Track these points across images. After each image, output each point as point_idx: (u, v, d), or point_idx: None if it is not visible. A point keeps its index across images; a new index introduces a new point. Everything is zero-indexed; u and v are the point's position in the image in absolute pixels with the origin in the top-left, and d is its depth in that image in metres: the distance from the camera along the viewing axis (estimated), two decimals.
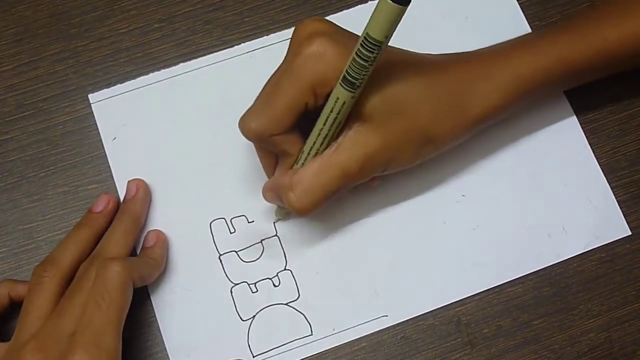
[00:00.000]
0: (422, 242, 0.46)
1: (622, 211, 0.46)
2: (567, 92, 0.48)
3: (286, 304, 0.45)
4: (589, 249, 0.45)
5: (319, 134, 0.39)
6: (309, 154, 0.40)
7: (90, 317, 0.38)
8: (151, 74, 0.49)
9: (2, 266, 0.46)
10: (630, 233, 0.46)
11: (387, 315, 0.45)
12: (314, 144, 0.40)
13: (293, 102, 0.38)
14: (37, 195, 0.47)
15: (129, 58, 0.49)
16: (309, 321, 0.45)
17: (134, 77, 0.49)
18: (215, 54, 0.49)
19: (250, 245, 0.46)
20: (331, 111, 0.38)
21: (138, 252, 0.45)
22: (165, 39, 0.50)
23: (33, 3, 0.50)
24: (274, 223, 0.46)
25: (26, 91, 0.49)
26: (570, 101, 0.48)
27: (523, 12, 0.50)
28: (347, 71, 0.36)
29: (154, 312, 0.45)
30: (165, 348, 0.44)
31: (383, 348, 0.44)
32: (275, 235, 0.46)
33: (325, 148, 0.40)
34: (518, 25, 0.49)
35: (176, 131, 0.48)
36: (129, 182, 0.46)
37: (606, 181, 0.47)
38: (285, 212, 0.46)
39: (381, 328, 0.44)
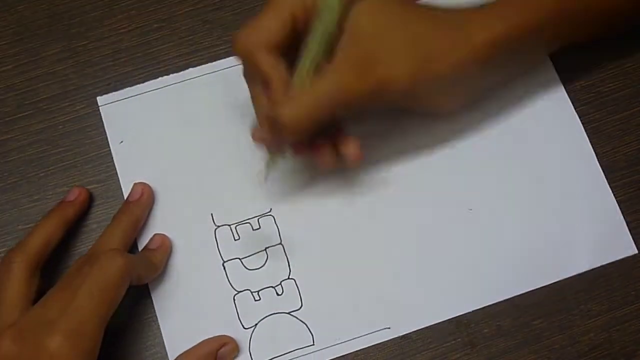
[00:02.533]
0: (427, 255, 0.45)
1: (623, 211, 0.46)
2: (569, 93, 0.48)
3: (289, 313, 0.45)
4: (595, 266, 0.45)
5: (310, 49, 0.39)
6: (302, 76, 0.39)
7: (79, 305, 0.38)
8: (160, 78, 0.49)
9: None
10: (636, 252, 0.45)
11: (389, 328, 0.44)
12: (305, 60, 0.39)
13: (282, 13, 0.39)
14: (37, 195, 0.47)
15: (129, 58, 0.49)
16: (311, 331, 0.44)
17: (133, 77, 0.49)
18: (224, 60, 0.49)
19: (255, 253, 0.46)
20: (316, 20, 0.38)
21: (139, 249, 0.45)
22: (165, 39, 0.50)
23: (33, 3, 0.50)
24: (265, 179, 0.44)
25: (26, 91, 0.49)
26: (571, 100, 0.48)
27: None
28: None
29: (154, 312, 0.45)
30: (165, 348, 0.44)
31: (383, 348, 0.44)
32: (280, 243, 0.46)
33: (317, 66, 0.39)
34: None
35: (183, 136, 0.48)
36: (134, 184, 0.46)
37: (614, 199, 0.46)
38: (274, 160, 0.43)
39: (383, 340, 0.44)
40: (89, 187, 0.47)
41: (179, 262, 0.45)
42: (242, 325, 0.44)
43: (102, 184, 0.47)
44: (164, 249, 0.45)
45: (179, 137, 0.48)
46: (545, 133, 0.47)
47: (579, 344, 0.44)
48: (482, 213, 0.46)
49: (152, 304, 0.45)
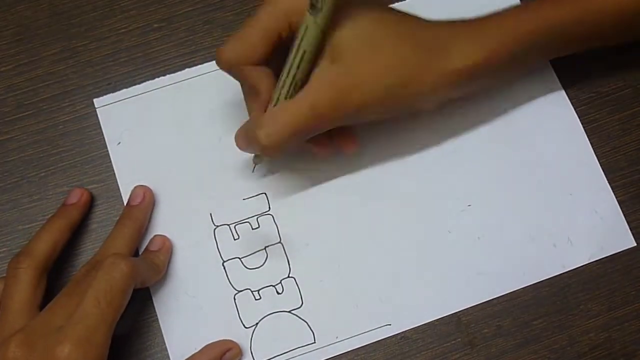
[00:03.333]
0: (427, 251, 0.46)
1: (623, 211, 0.46)
2: (569, 92, 0.48)
3: (289, 312, 0.45)
4: (594, 259, 0.45)
5: (291, 67, 0.39)
6: (280, 92, 0.40)
7: (86, 312, 0.37)
8: (157, 79, 0.49)
9: (2, 266, 0.46)
10: (635, 244, 0.46)
11: (390, 324, 0.44)
12: (286, 76, 0.39)
13: (267, 30, 0.39)
14: (37, 195, 0.47)
15: (129, 58, 0.49)
16: (312, 329, 0.44)
17: (133, 77, 0.49)
18: None
19: (254, 252, 0.46)
20: (301, 40, 0.38)
21: (140, 252, 0.45)
22: (165, 39, 0.50)
23: (33, 3, 0.50)
24: (252, 169, 0.46)
25: (26, 91, 0.49)
26: (571, 100, 0.48)
27: None
28: None
29: (155, 313, 0.45)
30: (165, 348, 0.44)
31: (383, 348, 0.44)
32: (279, 242, 0.46)
33: (296, 84, 0.40)
34: None
35: (181, 136, 0.48)
36: (135, 187, 0.46)
37: (612, 192, 0.46)
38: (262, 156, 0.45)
39: (384, 337, 0.44)
40: (89, 187, 0.47)
41: (179, 262, 0.45)
42: (243, 325, 0.44)
43: (102, 184, 0.47)
44: (165, 250, 0.45)
45: (176, 137, 0.48)
46: (544, 131, 0.47)
47: (579, 344, 0.44)
48: (481, 209, 0.46)
49: (153, 304, 0.45)
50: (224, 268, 0.45)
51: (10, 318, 0.40)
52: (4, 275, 0.43)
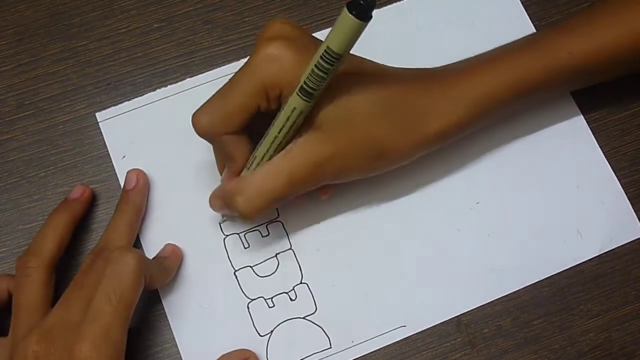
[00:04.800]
0: (438, 251, 0.45)
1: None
2: (572, 93, 0.48)
3: (304, 318, 0.44)
4: (604, 251, 0.45)
5: (273, 141, 0.39)
6: (262, 159, 0.40)
7: (100, 309, 0.37)
8: (158, 90, 0.48)
9: (2, 266, 0.46)
10: None
11: (405, 326, 0.44)
12: (267, 150, 0.40)
13: (245, 102, 0.39)
14: (37, 195, 0.47)
15: (129, 58, 0.49)
16: (328, 334, 0.44)
17: (133, 77, 0.49)
18: (221, 68, 0.49)
19: (265, 260, 0.46)
20: (287, 119, 0.38)
21: (148, 255, 0.45)
22: (165, 39, 0.50)
23: (33, 3, 0.50)
24: (219, 224, 0.46)
25: (26, 91, 0.49)
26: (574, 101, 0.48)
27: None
28: (304, 81, 0.36)
29: (163, 308, 0.45)
30: (176, 344, 0.44)
31: (383, 348, 0.44)
32: (290, 248, 0.46)
33: (280, 150, 0.40)
34: (524, 30, 0.49)
35: (185, 147, 0.47)
36: (128, 172, 0.46)
37: (618, 182, 0.46)
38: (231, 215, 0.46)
39: (400, 338, 0.44)
40: (89, 187, 0.47)
41: (191, 273, 0.45)
42: (258, 333, 0.44)
43: (102, 184, 0.47)
44: (175, 256, 0.45)
45: (181, 148, 0.47)
46: (549, 126, 0.47)
47: (579, 344, 0.44)
48: (490, 206, 0.46)
49: (166, 316, 0.45)
50: (236, 277, 0.45)
51: (24, 316, 0.40)
52: (6, 273, 0.43)
